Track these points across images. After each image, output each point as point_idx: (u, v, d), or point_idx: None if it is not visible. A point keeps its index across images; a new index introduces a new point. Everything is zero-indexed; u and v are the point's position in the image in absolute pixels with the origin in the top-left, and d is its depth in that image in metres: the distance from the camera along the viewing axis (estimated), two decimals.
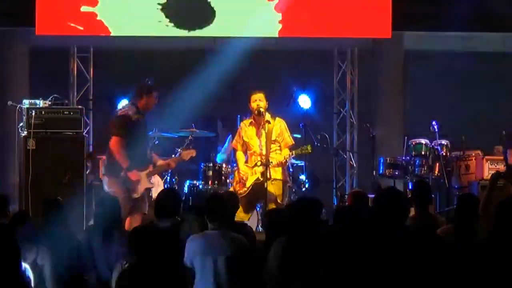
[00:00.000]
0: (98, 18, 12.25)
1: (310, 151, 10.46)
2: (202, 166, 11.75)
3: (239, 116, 11.18)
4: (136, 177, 9.46)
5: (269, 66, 12.83)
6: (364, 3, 12.74)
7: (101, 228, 7.81)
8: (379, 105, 13.41)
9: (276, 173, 10.57)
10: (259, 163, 10.58)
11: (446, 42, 12.78)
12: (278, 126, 10.64)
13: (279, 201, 10.58)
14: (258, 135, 10.70)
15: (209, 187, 11.48)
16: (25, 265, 6.52)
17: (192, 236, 7.51)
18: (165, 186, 11.54)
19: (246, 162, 10.65)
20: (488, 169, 11.71)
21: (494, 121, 12.63)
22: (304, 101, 13.02)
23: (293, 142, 10.62)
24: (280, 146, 10.63)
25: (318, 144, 11.04)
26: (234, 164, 11.25)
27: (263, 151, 10.48)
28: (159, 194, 8.56)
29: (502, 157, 11.02)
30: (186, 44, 12.67)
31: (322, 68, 13.40)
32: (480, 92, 13.13)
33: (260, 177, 10.53)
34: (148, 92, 9.61)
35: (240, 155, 10.80)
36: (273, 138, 10.57)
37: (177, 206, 8.25)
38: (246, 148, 10.73)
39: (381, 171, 11.97)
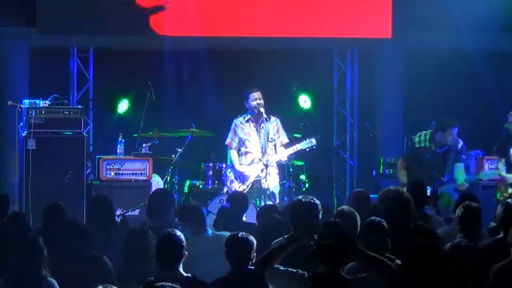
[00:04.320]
0: (99, 18, 12.26)
1: (315, 143, 10.64)
2: (202, 166, 11.77)
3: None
4: None
5: (269, 66, 12.82)
6: (364, 3, 12.74)
7: (98, 229, 7.80)
8: (379, 105, 13.42)
9: (273, 173, 10.71)
10: (256, 160, 10.68)
11: (446, 41, 12.77)
12: (275, 124, 10.84)
13: (277, 200, 10.67)
14: (258, 132, 10.78)
15: (209, 187, 11.51)
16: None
17: (192, 239, 7.51)
18: (165, 186, 11.55)
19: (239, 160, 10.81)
20: (488, 169, 11.71)
21: (494, 121, 12.63)
22: (304, 101, 13.01)
23: (288, 140, 10.82)
24: (275, 145, 10.77)
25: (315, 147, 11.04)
26: (223, 164, 11.32)
27: (262, 148, 10.61)
28: (151, 194, 8.61)
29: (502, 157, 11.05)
30: (186, 44, 12.66)
31: (322, 68, 13.39)
32: (480, 91, 13.12)
33: (260, 174, 10.64)
34: (443, 128, 10.68)
35: (234, 154, 10.88)
36: (270, 136, 10.71)
37: (169, 206, 8.26)
38: (241, 145, 10.84)
39: (381, 171, 11.98)
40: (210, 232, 7.60)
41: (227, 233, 7.34)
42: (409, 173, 10.80)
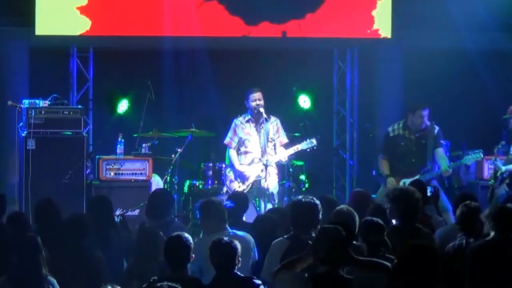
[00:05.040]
0: (99, 18, 12.27)
1: (315, 143, 10.67)
2: (202, 166, 11.76)
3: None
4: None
5: (269, 66, 12.82)
6: (364, 3, 12.74)
7: (97, 229, 7.80)
8: (379, 105, 13.41)
9: (272, 173, 10.71)
10: (256, 160, 10.68)
11: (446, 41, 12.77)
12: (275, 124, 10.85)
13: (275, 200, 10.67)
14: (258, 132, 10.79)
15: (209, 187, 11.50)
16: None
17: (199, 239, 7.51)
18: (165, 186, 11.54)
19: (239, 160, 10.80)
20: (488, 169, 11.73)
21: (494, 121, 12.62)
22: (304, 101, 13.02)
23: (288, 141, 10.83)
24: (274, 145, 10.78)
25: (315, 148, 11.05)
26: (223, 164, 11.32)
27: (262, 148, 10.61)
28: (150, 195, 8.58)
29: (502, 158, 11.06)
30: (186, 44, 12.65)
31: (322, 68, 13.38)
32: (480, 91, 13.12)
33: (260, 174, 10.64)
34: (412, 110, 10.77)
35: (234, 154, 10.87)
36: (270, 136, 10.72)
37: (167, 207, 8.23)
38: (240, 145, 10.84)
39: (380, 171, 11.96)
40: (229, 230, 7.57)
41: (245, 234, 7.36)
42: (390, 164, 10.85)
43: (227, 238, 6.38)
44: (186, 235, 6.39)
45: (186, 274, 6.25)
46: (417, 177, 10.38)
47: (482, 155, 10.91)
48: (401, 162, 10.75)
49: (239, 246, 6.28)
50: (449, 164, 10.72)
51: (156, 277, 5.89)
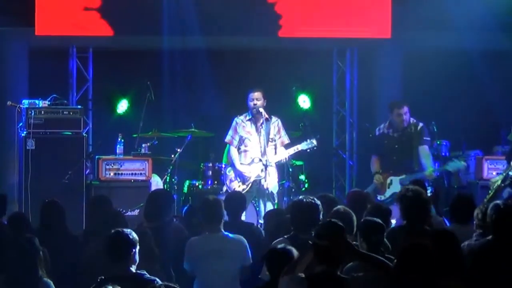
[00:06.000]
0: (99, 18, 12.26)
1: (315, 144, 10.69)
2: (201, 166, 11.76)
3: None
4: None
5: (269, 66, 12.82)
6: (364, 3, 12.74)
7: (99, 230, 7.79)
8: (378, 105, 13.41)
9: (272, 173, 10.71)
10: (256, 160, 10.68)
11: (446, 42, 12.77)
12: (276, 124, 10.84)
13: (275, 199, 10.68)
14: (258, 132, 10.79)
15: (208, 187, 11.50)
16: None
17: (193, 239, 7.50)
18: (165, 186, 11.55)
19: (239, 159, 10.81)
20: (488, 169, 11.72)
21: (494, 121, 12.62)
22: (304, 101, 13.03)
23: (289, 141, 10.82)
24: (275, 145, 10.78)
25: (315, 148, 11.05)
26: (223, 164, 11.31)
27: (262, 148, 10.60)
28: (148, 196, 8.55)
29: (501, 157, 11.06)
30: (186, 44, 12.66)
31: (321, 68, 13.38)
32: (480, 91, 13.11)
33: (260, 174, 10.64)
34: (390, 110, 10.93)
35: (235, 153, 10.86)
36: (271, 136, 10.72)
37: (164, 208, 8.20)
38: (240, 144, 10.83)
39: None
40: (222, 232, 7.54)
41: (239, 236, 7.35)
42: (380, 162, 10.92)
43: (283, 245, 6.25)
44: (128, 231, 6.30)
45: (128, 269, 6.15)
46: (403, 176, 10.56)
47: (464, 164, 10.90)
48: (385, 160, 10.87)
49: (295, 252, 6.13)
50: (434, 168, 10.72)
51: (103, 277, 5.89)
